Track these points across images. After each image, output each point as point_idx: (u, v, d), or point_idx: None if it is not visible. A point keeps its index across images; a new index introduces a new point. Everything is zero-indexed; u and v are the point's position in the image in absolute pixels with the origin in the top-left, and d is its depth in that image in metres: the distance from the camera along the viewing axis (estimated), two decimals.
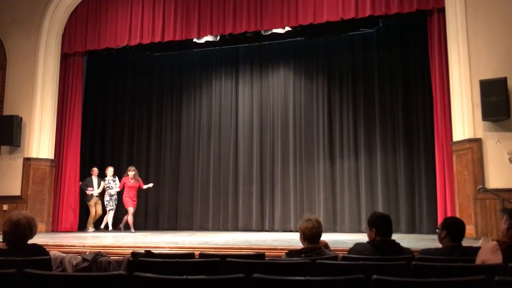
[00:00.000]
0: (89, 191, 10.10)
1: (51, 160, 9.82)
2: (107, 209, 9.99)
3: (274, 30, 9.45)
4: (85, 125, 10.75)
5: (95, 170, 10.30)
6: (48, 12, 9.94)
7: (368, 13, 8.26)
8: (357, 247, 3.48)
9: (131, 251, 4.19)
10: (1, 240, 3.27)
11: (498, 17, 7.48)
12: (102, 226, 10.00)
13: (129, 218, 9.62)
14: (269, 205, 10.24)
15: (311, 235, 3.42)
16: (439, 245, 3.50)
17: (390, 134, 9.57)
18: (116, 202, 10.02)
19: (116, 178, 10.09)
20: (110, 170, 10.16)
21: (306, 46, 10.46)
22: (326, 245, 3.64)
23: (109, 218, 10.01)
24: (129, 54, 11.14)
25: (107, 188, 9.99)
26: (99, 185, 10.15)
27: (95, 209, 10.12)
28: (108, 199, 9.96)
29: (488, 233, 6.96)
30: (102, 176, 10.35)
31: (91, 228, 9.98)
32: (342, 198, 9.75)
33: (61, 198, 9.87)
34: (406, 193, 9.25)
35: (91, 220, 10.10)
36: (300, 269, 3.00)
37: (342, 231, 9.50)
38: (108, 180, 10.04)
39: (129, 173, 9.80)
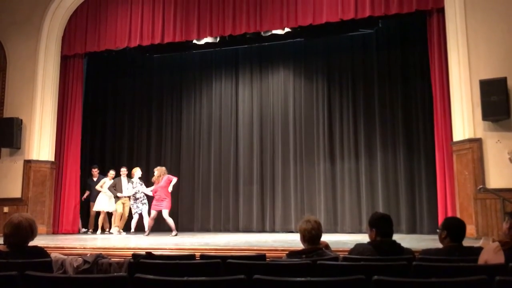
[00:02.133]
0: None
1: (52, 162, 9.82)
2: (132, 212, 9.59)
3: (274, 31, 9.44)
4: (85, 127, 10.76)
5: (123, 170, 9.86)
6: (48, 15, 9.95)
7: (367, 13, 8.27)
8: (358, 247, 3.48)
9: (132, 252, 4.19)
10: (2, 243, 3.27)
11: (498, 17, 7.49)
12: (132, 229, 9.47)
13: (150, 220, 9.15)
14: (269, 206, 10.24)
15: (311, 237, 3.42)
16: (440, 245, 3.50)
17: (390, 135, 9.57)
18: (143, 205, 9.52)
19: (142, 182, 9.67)
20: (138, 171, 9.70)
21: (305, 47, 10.47)
22: (327, 246, 3.64)
23: (133, 222, 9.53)
24: (129, 56, 11.16)
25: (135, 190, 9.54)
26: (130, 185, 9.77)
27: (122, 207, 9.80)
28: (133, 202, 9.54)
29: (488, 233, 6.96)
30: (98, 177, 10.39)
31: (114, 230, 9.69)
32: (342, 199, 9.76)
33: (61, 200, 9.87)
34: (406, 193, 9.25)
35: (115, 220, 9.79)
36: (301, 270, 3.00)
37: (342, 231, 9.50)
38: (136, 182, 9.56)
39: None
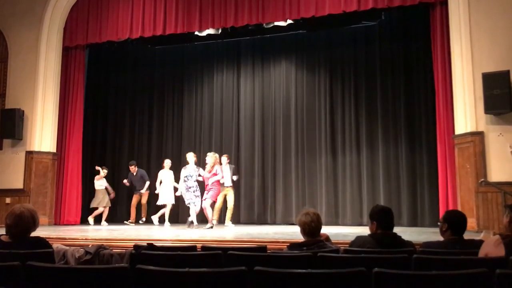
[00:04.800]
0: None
1: (53, 153, 9.84)
2: (186, 203, 8.71)
3: (276, 23, 9.40)
4: (86, 118, 10.75)
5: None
6: (50, 5, 9.92)
7: (370, 5, 8.22)
8: (359, 240, 3.49)
9: (134, 244, 4.21)
10: (4, 233, 3.28)
11: (501, 10, 7.44)
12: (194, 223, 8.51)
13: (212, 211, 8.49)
14: (271, 198, 10.26)
15: (311, 229, 3.43)
16: (441, 238, 3.50)
17: (392, 127, 9.56)
18: (196, 197, 8.54)
19: (200, 168, 8.75)
20: (190, 156, 8.79)
21: (308, 39, 10.43)
22: (327, 238, 3.64)
23: (191, 212, 8.62)
24: (131, 47, 11.11)
25: (186, 179, 8.59)
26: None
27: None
28: (185, 192, 8.60)
29: (489, 226, 6.97)
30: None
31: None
32: (344, 191, 9.77)
33: (63, 191, 9.91)
34: (408, 186, 9.26)
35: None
36: (302, 261, 3.01)
37: (343, 224, 9.52)
38: (191, 169, 8.63)
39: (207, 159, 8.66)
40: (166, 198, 9.70)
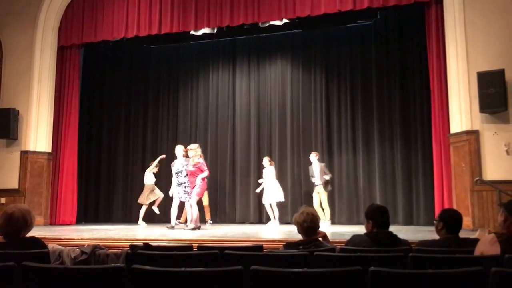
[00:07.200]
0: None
1: (49, 153, 9.80)
2: (178, 198, 8.31)
3: (272, 22, 9.40)
4: (82, 118, 10.70)
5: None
6: (44, 5, 9.88)
7: (366, 5, 8.24)
8: (355, 239, 3.49)
9: (130, 243, 4.20)
10: None
11: (496, 9, 7.47)
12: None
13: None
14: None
15: (305, 228, 3.44)
16: (436, 237, 3.51)
17: (388, 126, 9.59)
18: (188, 191, 8.05)
19: (188, 162, 8.13)
20: (177, 149, 8.35)
21: (303, 38, 10.44)
22: (324, 236, 3.64)
23: (187, 209, 8.29)
24: (126, 47, 11.09)
25: (179, 174, 8.23)
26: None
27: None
28: (175, 187, 8.29)
29: (485, 225, 7.00)
30: (94, 170, 10.34)
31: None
32: (340, 190, 9.78)
33: (59, 191, 9.87)
34: (403, 185, 9.28)
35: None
36: (298, 261, 3.01)
37: (340, 223, 9.53)
38: (179, 163, 8.20)
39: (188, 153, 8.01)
40: (267, 197, 9.33)
